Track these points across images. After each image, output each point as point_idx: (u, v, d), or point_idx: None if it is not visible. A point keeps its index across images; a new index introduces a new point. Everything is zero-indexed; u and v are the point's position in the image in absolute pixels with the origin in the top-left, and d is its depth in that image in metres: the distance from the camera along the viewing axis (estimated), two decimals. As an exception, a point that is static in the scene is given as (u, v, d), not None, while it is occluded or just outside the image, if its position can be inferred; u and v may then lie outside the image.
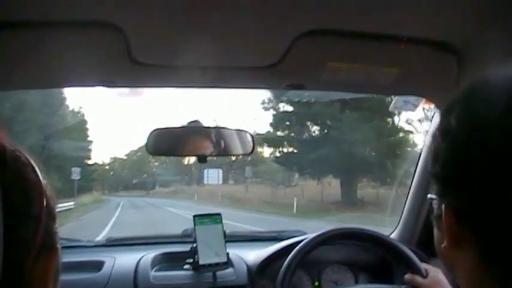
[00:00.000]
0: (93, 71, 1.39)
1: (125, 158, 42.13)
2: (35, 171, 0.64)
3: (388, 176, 19.41)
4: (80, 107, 26.17)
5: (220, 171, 24.78)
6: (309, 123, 22.72)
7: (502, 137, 0.56)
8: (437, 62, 1.34)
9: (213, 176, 23.75)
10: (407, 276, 1.53)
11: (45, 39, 1.17)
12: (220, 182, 26.02)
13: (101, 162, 39.36)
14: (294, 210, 19.58)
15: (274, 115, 24.02)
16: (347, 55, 1.32)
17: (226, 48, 1.29)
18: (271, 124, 24.64)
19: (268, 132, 25.11)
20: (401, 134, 21.14)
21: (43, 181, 0.65)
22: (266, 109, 24.77)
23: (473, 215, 0.59)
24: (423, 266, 1.56)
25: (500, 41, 1.17)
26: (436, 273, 1.50)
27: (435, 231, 0.71)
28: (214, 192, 28.82)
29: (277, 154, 26.12)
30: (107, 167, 40.43)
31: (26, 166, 0.63)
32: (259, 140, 25.39)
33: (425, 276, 1.51)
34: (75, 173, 21.20)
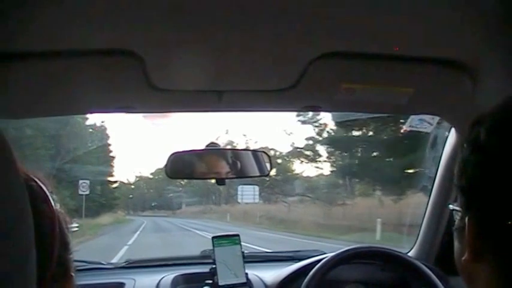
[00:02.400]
0: (112, 98, 1.42)
1: (150, 176, 38.65)
2: (48, 201, 0.63)
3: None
4: (102, 122, 24.12)
5: (257, 188, 21.37)
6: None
7: None
8: (451, 80, 1.34)
9: (248, 193, 20.82)
10: None
11: (65, 68, 1.19)
12: (257, 200, 22.29)
13: (125, 181, 36.50)
14: (377, 236, 13.81)
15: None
16: (362, 76, 1.33)
17: (243, 72, 1.31)
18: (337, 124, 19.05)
19: (312, 144, 21.59)
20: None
21: (56, 209, 0.64)
22: (304, 122, 21.24)
23: (497, 228, 0.58)
24: None
25: None
26: None
27: (456, 243, 0.69)
28: (249, 212, 24.42)
29: (336, 164, 21.84)
30: (132, 186, 37.91)
31: (38, 195, 0.62)
32: (295, 154, 23.25)
33: None
34: (84, 187, 17.33)
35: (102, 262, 2.11)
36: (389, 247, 1.78)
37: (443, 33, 1.13)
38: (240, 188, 20.52)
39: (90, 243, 13.72)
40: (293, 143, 24.51)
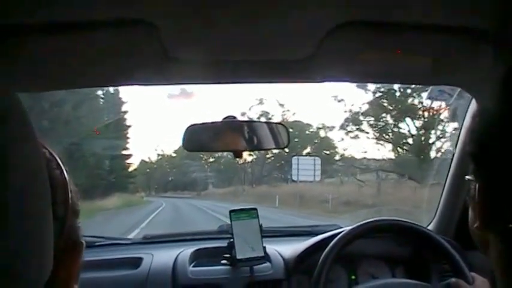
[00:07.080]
0: (128, 70, 1.41)
1: (173, 155, 35.98)
2: (60, 167, 0.62)
3: None
4: (115, 89, 21.65)
5: (318, 161, 16.16)
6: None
7: None
8: (472, 50, 1.31)
9: (306, 168, 15.46)
10: (453, 280, 1.39)
11: (79, 40, 1.18)
12: (318, 178, 16.43)
13: (146, 159, 35.71)
14: None
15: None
16: (380, 46, 1.30)
17: (260, 42, 1.29)
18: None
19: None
20: None
21: (67, 176, 0.63)
22: (360, 87, 18.82)
23: (503, 195, 0.58)
24: (471, 274, 1.44)
25: None
26: (483, 283, 1.34)
27: (470, 212, 0.70)
28: (304, 194, 17.34)
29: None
30: (155, 166, 36.76)
31: (51, 162, 0.61)
32: (356, 122, 20.34)
33: (471, 283, 1.38)
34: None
35: (120, 238, 2.15)
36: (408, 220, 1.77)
37: (465, 1, 1.10)
38: (294, 160, 16.03)
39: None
40: (351, 110, 21.16)
